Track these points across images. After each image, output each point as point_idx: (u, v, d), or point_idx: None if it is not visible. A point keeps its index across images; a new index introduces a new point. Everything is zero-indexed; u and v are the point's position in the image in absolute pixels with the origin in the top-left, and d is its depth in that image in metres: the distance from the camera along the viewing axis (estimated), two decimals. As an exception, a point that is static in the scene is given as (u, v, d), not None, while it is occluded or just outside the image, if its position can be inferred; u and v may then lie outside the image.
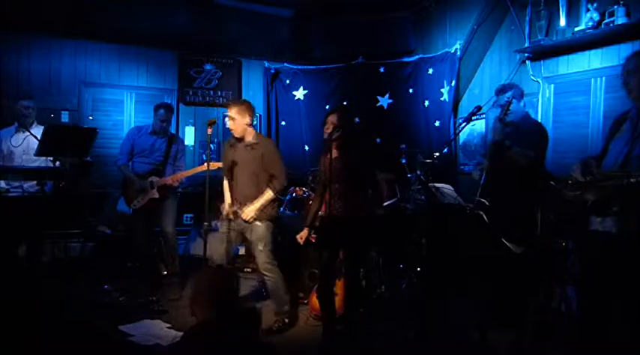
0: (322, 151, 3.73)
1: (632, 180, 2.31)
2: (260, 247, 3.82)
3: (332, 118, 3.55)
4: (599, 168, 2.59)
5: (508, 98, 3.66)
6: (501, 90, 3.82)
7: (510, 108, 3.57)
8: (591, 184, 2.50)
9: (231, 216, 3.90)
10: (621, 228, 2.45)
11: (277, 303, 3.89)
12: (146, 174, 4.70)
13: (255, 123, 4.12)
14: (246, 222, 3.84)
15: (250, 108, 3.90)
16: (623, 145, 2.56)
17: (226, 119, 3.79)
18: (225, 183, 4.04)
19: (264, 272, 3.85)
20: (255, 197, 3.82)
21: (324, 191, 3.64)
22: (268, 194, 3.82)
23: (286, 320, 3.90)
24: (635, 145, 2.50)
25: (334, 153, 3.47)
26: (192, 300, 2.14)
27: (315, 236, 3.94)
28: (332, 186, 3.41)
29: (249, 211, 3.80)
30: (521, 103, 3.80)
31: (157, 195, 4.64)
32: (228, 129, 4.00)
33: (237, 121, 3.84)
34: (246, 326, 2.06)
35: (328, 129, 3.52)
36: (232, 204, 3.93)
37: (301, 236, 3.77)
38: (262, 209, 3.82)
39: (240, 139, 3.90)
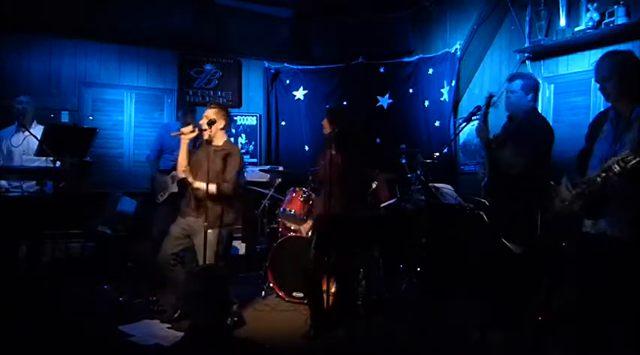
0: (322, 151, 3.89)
1: (602, 174, 2.39)
2: None
3: (325, 121, 3.86)
4: (583, 176, 2.63)
5: (515, 88, 3.49)
6: (510, 79, 3.61)
7: (510, 98, 3.49)
8: (579, 196, 2.56)
9: None
10: (613, 228, 2.49)
11: None
12: (169, 170, 4.95)
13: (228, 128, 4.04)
14: None
15: (227, 116, 3.91)
16: (607, 147, 2.59)
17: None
18: None
19: None
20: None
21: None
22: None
23: (236, 319, 3.91)
24: (617, 147, 2.52)
25: (333, 153, 3.53)
26: (181, 298, 2.14)
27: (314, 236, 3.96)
28: (330, 187, 3.46)
29: None
30: (529, 96, 3.49)
31: (176, 189, 4.75)
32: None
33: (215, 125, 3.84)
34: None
35: (325, 129, 3.83)
36: None
37: (305, 227, 4.16)
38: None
39: (209, 142, 3.88)
